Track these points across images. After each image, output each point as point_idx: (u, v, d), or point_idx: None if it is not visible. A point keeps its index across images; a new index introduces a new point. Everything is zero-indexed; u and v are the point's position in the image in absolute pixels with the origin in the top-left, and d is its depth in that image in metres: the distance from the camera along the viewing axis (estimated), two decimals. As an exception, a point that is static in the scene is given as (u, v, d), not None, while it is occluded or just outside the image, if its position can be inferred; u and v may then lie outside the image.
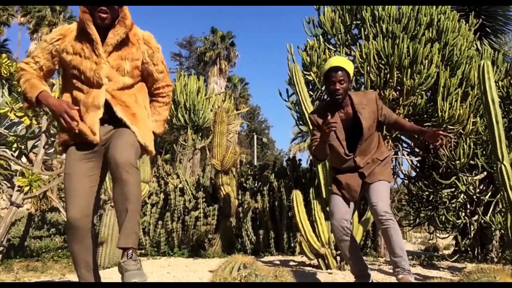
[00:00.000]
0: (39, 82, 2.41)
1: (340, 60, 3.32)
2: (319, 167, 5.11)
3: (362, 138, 3.29)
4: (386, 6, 6.16)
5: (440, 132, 3.25)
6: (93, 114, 2.38)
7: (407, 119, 6.01)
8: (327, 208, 4.48)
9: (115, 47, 2.44)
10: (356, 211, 4.78)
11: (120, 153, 2.26)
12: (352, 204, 3.39)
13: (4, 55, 5.28)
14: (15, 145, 5.53)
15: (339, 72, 3.19)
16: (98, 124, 2.39)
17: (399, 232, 3.15)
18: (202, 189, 7.42)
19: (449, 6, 6.50)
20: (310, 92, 6.18)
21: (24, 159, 6.15)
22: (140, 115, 2.46)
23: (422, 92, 5.90)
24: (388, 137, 6.05)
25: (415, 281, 3.27)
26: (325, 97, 6.16)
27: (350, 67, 3.29)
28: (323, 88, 6.07)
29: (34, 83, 2.39)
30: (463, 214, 6.28)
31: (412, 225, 7.92)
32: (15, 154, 5.93)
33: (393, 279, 3.83)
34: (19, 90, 5.09)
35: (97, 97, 2.39)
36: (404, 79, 5.74)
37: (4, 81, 6.31)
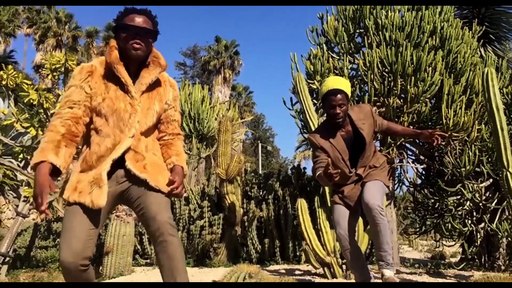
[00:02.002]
0: (52, 146, 2.13)
1: (337, 82, 3.28)
2: (324, 175, 5.11)
3: (364, 153, 3.32)
4: (389, 14, 6.19)
5: (436, 132, 3.28)
6: (108, 162, 2.20)
7: (411, 127, 6.01)
8: (331, 216, 4.47)
9: (147, 87, 2.31)
10: (362, 219, 4.78)
11: (160, 214, 2.16)
12: (355, 212, 3.41)
13: (10, 66, 5.33)
14: (21, 156, 5.56)
15: (339, 95, 3.18)
16: (107, 170, 2.20)
17: (387, 228, 3.20)
18: (207, 198, 7.43)
19: (452, 14, 6.53)
20: (314, 100, 6.20)
21: (30, 169, 6.18)
22: (150, 161, 2.30)
23: (426, 99, 5.90)
24: (392, 145, 6.04)
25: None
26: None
27: (348, 88, 3.28)
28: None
29: (47, 147, 2.11)
30: (469, 221, 6.25)
31: (418, 233, 7.89)
32: (21, 164, 5.96)
33: None
34: (25, 100, 5.14)
35: (125, 143, 2.23)
36: (408, 86, 5.74)
37: (10, 92, 6.37)
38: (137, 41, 2.23)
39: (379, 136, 5.95)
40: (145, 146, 2.30)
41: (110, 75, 2.26)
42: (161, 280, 2.21)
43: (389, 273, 3.20)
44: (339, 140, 3.30)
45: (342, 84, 3.26)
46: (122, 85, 2.26)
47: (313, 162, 3.40)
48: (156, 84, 2.36)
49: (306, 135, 6.58)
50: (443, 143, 6.13)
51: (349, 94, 3.29)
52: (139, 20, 2.25)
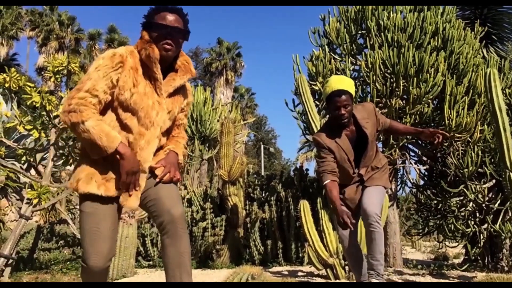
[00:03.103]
0: (109, 127, 2.07)
1: (341, 82, 3.23)
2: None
3: (366, 152, 3.30)
4: (391, 15, 6.19)
5: (438, 130, 3.27)
6: (146, 168, 2.17)
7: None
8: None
9: (174, 90, 2.28)
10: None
11: (175, 208, 2.11)
12: (356, 214, 3.39)
13: (13, 69, 5.34)
14: (24, 158, 5.56)
15: (343, 96, 3.14)
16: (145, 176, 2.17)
17: (382, 237, 3.18)
18: (209, 199, 7.43)
19: (454, 15, 6.52)
20: (316, 101, 6.19)
21: (33, 171, 6.19)
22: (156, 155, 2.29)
23: (429, 100, 5.89)
24: (395, 146, 6.03)
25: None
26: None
27: (351, 87, 3.24)
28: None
29: (106, 130, 2.04)
30: (472, 222, 6.24)
31: (421, 234, 7.87)
32: (24, 166, 5.98)
33: None
34: (28, 103, 5.15)
35: (151, 141, 2.19)
36: (410, 88, 5.74)
37: (13, 95, 6.39)
38: (168, 41, 2.16)
39: (381, 137, 5.95)
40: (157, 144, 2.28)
41: (140, 69, 2.19)
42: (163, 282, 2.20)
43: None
44: (345, 140, 3.27)
45: (346, 84, 3.22)
46: (153, 81, 2.20)
47: (319, 163, 3.35)
48: (180, 88, 2.31)
49: (309, 136, 6.59)
50: (445, 144, 6.13)
51: (353, 94, 3.26)
52: (170, 18, 2.18)
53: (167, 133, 2.34)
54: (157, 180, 2.18)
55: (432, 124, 6.19)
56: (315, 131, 5.42)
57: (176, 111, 2.31)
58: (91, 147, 2.06)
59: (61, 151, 5.37)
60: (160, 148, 2.29)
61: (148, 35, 2.18)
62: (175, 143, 2.36)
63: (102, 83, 2.08)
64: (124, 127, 2.16)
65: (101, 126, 2.04)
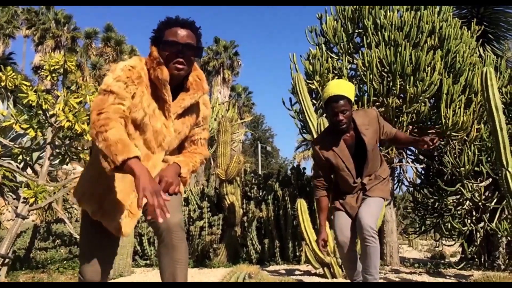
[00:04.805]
0: (130, 141, 1.87)
1: (339, 87, 3.13)
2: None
3: (367, 162, 3.22)
4: (388, 14, 6.19)
5: (430, 137, 3.23)
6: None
7: (411, 127, 6.02)
8: (331, 217, 4.47)
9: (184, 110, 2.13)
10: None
11: (172, 215, 1.91)
12: (354, 221, 3.36)
13: (9, 67, 5.30)
14: (20, 157, 5.54)
15: (341, 101, 3.04)
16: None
17: (378, 252, 3.11)
18: (206, 198, 7.42)
19: (451, 13, 6.53)
20: (313, 100, 6.20)
21: (29, 170, 6.17)
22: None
23: (426, 99, 5.90)
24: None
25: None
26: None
27: (350, 92, 3.15)
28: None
29: (126, 142, 1.82)
30: (469, 221, 6.25)
31: (418, 233, 7.89)
32: (20, 165, 5.95)
33: None
34: (24, 102, 5.13)
35: (157, 165, 2.06)
36: (407, 86, 5.75)
37: (9, 94, 6.36)
38: (179, 60, 2.01)
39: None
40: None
41: (151, 89, 2.05)
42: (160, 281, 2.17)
43: None
44: (343, 148, 3.20)
45: (344, 88, 3.12)
46: (162, 102, 2.06)
47: (314, 175, 3.32)
48: (191, 106, 2.15)
49: (306, 135, 6.59)
50: (442, 142, 6.14)
51: (352, 98, 3.15)
52: (182, 34, 2.02)
53: (178, 149, 2.22)
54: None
55: (429, 123, 6.20)
56: (312, 129, 5.42)
57: (186, 130, 2.18)
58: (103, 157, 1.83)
59: (57, 150, 5.35)
60: None
61: (157, 51, 2.04)
62: (186, 156, 2.21)
63: (127, 92, 1.96)
64: None
65: (121, 138, 1.82)
